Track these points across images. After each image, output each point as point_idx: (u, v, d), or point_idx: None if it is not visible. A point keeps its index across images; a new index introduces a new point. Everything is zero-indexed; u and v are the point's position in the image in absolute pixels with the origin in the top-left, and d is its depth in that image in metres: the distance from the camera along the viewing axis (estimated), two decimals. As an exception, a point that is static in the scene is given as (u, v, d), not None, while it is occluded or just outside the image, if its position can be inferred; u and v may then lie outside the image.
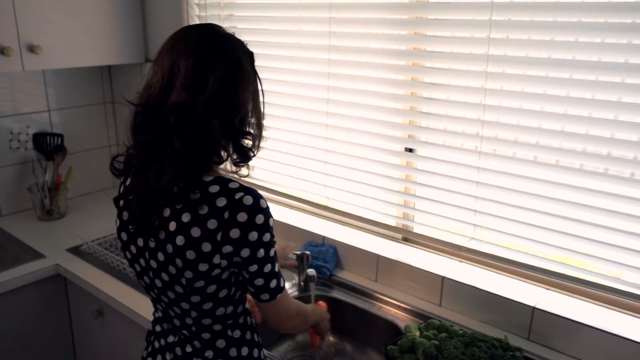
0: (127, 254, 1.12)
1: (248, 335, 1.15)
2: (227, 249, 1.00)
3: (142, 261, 1.08)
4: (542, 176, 1.38)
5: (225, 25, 1.98)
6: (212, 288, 1.04)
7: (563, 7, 1.28)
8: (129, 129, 1.04)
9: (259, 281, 1.04)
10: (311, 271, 1.66)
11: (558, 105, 1.32)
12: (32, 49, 1.86)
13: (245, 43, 1.07)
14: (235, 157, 1.07)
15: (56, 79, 2.27)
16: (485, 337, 1.30)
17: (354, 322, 1.61)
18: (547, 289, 1.48)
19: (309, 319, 1.27)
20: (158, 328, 1.18)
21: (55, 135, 2.26)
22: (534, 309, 1.40)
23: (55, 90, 2.28)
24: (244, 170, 1.11)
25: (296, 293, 1.66)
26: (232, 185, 1.02)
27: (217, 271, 1.02)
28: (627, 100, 1.24)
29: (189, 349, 1.11)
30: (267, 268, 1.04)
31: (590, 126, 1.30)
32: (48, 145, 2.24)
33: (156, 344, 1.17)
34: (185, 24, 2.05)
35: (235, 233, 0.99)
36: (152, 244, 1.04)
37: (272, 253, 1.04)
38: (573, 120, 1.32)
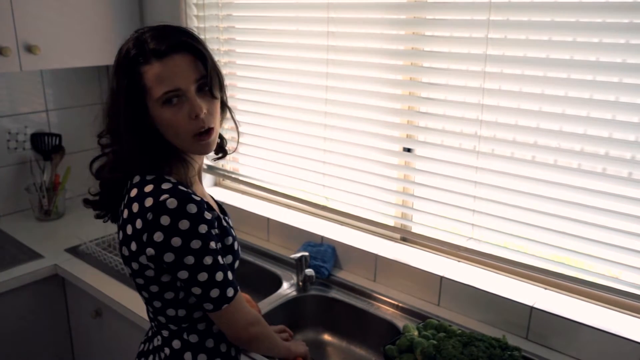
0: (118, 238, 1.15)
1: (210, 343, 1.11)
2: (150, 251, 0.98)
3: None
4: (540, 176, 1.38)
5: (223, 25, 1.99)
6: (154, 288, 1.04)
7: (561, 7, 1.28)
8: None
9: (196, 290, 1.00)
10: (309, 271, 1.66)
11: (556, 105, 1.32)
12: (29, 49, 1.86)
13: (128, 44, 1.00)
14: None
15: (54, 79, 2.27)
16: (483, 336, 1.30)
17: (352, 321, 1.61)
18: (546, 289, 1.48)
19: (272, 337, 1.17)
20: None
21: (53, 135, 2.25)
22: (532, 308, 1.40)
23: (53, 90, 2.27)
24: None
25: (294, 293, 1.66)
26: (164, 185, 0.99)
27: (150, 272, 1.02)
28: (625, 100, 1.24)
29: (157, 342, 1.12)
30: (203, 277, 0.98)
31: (588, 126, 1.30)
32: (46, 146, 2.23)
33: (149, 332, 1.19)
34: (184, 24, 2.06)
35: (158, 236, 0.96)
36: (121, 235, 1.07)
37: (207, 261, 0.98)
38: (571, 120, 1.33)
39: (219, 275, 1.00)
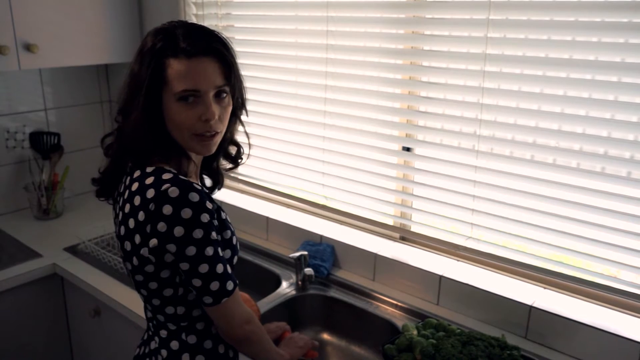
0: (115, 234, 1.15)
1: (208, 344, 1.10)
2: (153, 242, 0.97)
3: (118, 246, 1.13)
4: (539, 175, 1.38)
5: (222, 24, 1.98)
6: (153, 285, 1.04)
7: (560, 6, 1.28)
8: None
9: (196, 282, 0.99)
10: (309, 270, 1.66)
11: (555, 104, 1.32)
12: (28, 47, 1.85)
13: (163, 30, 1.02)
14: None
15: (53, 78, 2.26)
16: (482, 336, 1.30)
17: (351, 321, 1.61)
18: (545, 288, 1.48)
19: (265, 339, 1.14)
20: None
21: (51, 134, 2.25)
22: (531, 307, 1.41)
23: (51, 89, 2.27)
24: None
25: (294, 292, 1.66)
26: (165, 176, 1.00)
27: (149, 267, 1.01)
28: (624, 100, 1.25)
29: (155, 344, 1.12)
30: (204, 268, 0.98)
31: (587, 125, 1.30)
32: (45, 145, 2.23)
33: (145, 335, 1.18)
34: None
35: (161, 227, 0.96)
36: (122, 230, 1.06)
37: (209, 252, 0.98)
38: (570, 120, 1.33)
39: (220, 268, 1.00)
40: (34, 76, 2.21)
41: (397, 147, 1.66)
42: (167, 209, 0.95)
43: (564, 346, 1.37)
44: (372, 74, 1.63)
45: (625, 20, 1.21)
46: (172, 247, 0.97)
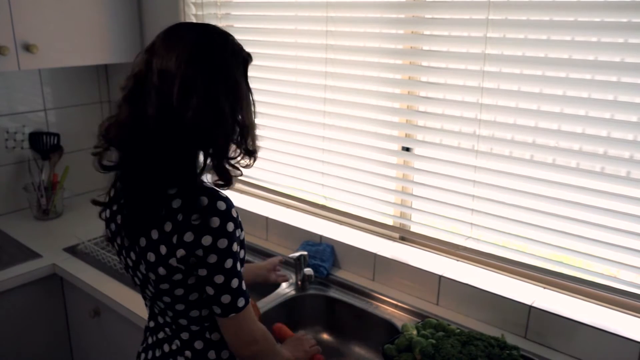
0: (116, 245, 1.12)
1: None
2: (181, 252, 0.96)
3: (122, 257, 1.11)
4: (538, 175, 1.38)
5: (222, 24, 1.98)
6: (179, 291, 1.03)
7: (559, 6, 1.28)
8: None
9: (209, 290, 0.99)
10: (308, 270, 1.66)
11: (554, 104, 1.32)
12: (27, 47, 1.85)
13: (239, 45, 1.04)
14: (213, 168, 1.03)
15: (52, 78, 2.26)
16: (482, 335, 1.30)
17: (351, 321, 1.61)
18: (544, 288, 1.48)
19: (275, 353, 1.12)
20: (151, 324, 1.17)
21: (51, 134, 2.25)
22: (530, 307, 1.41)
23: (51, 89, 2.27)
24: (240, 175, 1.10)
25: (293, 292, 1.66)
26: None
27: (178, 276, 1.00)
28: (624, 99, 1.25)
29: (174, 346, 1.11)
30: (219, 279, 0.98)
31: (586, 125, 1.30)
32: (44, 145, 2.23)
33: (149, 340, 1.17)
34: (182, 23, 2.06)
35: (189, 236, 0.95)
36: (126, 241, 1.06)
37: (228, 264, 0.97)
38: (569, 119, 1.33)
39: (235, 282, 1.00)
40: (33, 76, 2.21)
41: (396, 147, 1.66)
42: (196, 219, 0.95)
43: (564, 346, 1.37)
44: (371, 74, 1.63)
45: (625, 20, 1.21)
46: (199, 252, 0.96)
